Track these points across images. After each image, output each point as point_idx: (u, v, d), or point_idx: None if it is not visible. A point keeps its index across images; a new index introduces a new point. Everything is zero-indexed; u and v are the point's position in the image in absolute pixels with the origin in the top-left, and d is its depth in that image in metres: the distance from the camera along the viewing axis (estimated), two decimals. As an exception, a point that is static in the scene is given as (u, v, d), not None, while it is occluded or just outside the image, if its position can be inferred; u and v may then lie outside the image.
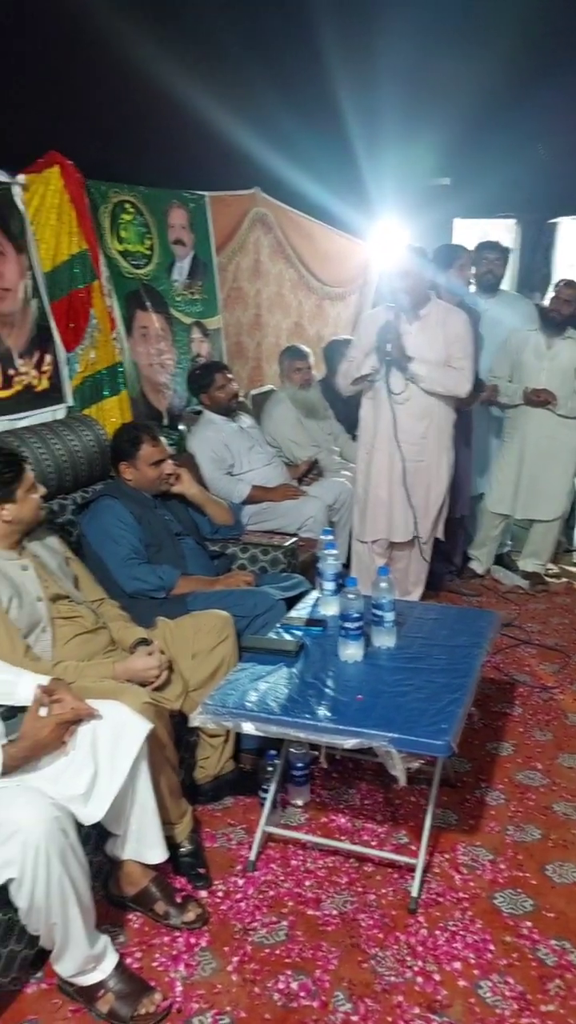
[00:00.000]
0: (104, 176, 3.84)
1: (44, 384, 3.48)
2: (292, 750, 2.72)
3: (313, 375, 4.89)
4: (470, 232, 6.68)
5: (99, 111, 4.07)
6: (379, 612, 2.63)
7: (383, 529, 3.80)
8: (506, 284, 4.93)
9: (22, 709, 2.18)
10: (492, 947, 2.21)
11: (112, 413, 3.73)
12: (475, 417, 4.52)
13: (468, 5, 5.93)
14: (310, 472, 4.57)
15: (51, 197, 3.46)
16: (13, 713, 2.22)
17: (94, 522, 3.03)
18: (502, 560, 4.95)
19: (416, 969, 2.14)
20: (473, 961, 2.17)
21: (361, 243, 6.45)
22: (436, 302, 3.71)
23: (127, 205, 4.03)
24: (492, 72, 5.88)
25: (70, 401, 3.61)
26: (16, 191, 3.34)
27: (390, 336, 3.53)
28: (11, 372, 3.30)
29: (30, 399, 3.41)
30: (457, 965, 2.15)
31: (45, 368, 3.49)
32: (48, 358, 3.50)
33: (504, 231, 6.89)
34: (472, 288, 4.67)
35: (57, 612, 2.55)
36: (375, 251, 6.45)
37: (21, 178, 3.37)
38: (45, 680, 2.23)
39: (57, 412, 3.54)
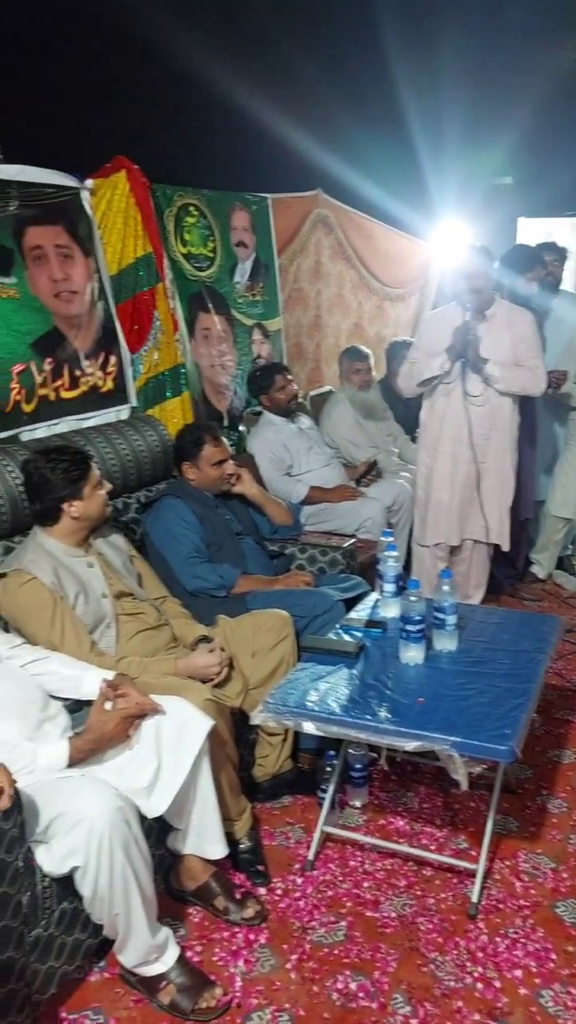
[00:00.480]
0: (169, 180, 3.89)
1: (109, 385, 3.54)
2: (351, 751, 2.72)
3: (373, 376, 4.88)
4: (535, 231, 6.59)
5: (164, 116, 4.14)
6: (441, 615, 2.62)
7: (444, 533, 3.77)
8: (567, 284, 4.84)
9: (88, 703, 2.23)
10: (554, 956, 2.18)
11: (174, 414, 3.78)
12: (539, 419, 4.46)
13: (533, 2, 5.86)
14: (369, 473, 4.56)
15: (118, 201, 3.52)
16: (79, 707, 2.27)
17: (157, 521, 3.07)
18: (564, 564, 4.87)
19: (476, 975, 2.12)
20: (534, 969, 2.14)
21: (422, 243, 6.41)
22: (500, 302, 3.67)
23: (191, 208, 4.08)
24: (557, 69, 5.82)
25: (134, 402, 3.67)
26: (84, 195, 3.41)
27: (468, 337, 3.49)
28: (78, 373, 3.37)
29: (96, 400, 3.47)
30: (518, 973, 2.13)
31: (110, 369, 3.54)
32: (113, 359, 3.56)
33: (569, 230, 6.78)
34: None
35: (121, 609, 2.59)
36: (436, 251, 6.41)
37: (89, 183, 3.44)
38: (110, 675, 2.27)
39: (121, 412, 3.60)
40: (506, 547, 3.85)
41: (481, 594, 3.99)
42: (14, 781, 1.80)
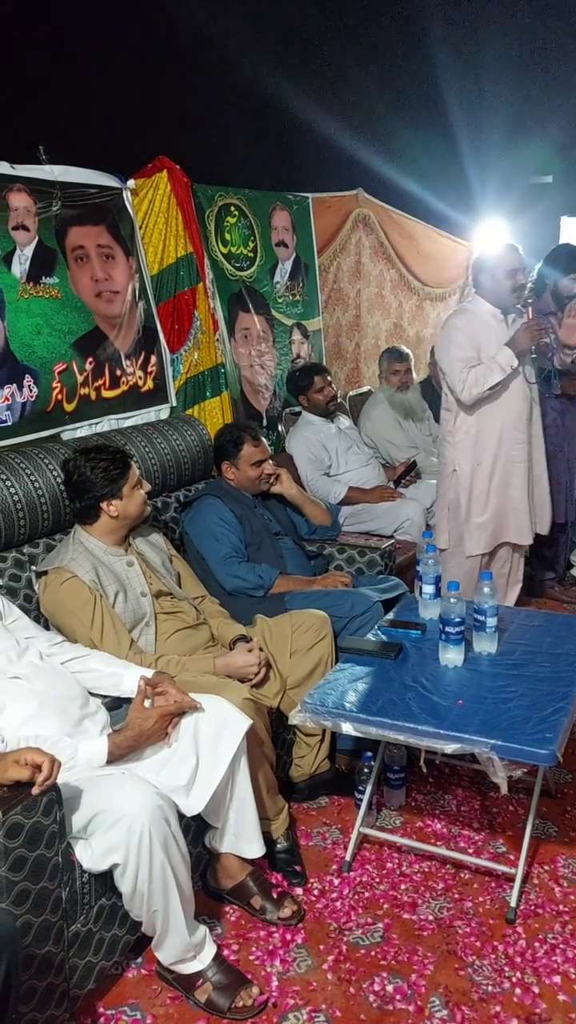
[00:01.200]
0: (210, 179, 3.91)
1: (149, 384, 3.57)
2: (389, 752, 2.71)
3: (412, 377, 4.86)
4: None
5: (205, 116, 4.16)
6: (481, 617, 2.59)
7: (500, 535, 3.61)
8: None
9: (127, 700, 2.25)
10: (594, 963, 2.15)
11: (213, 414, 3.80)
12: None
13: (572, 3, 5.80)
14: (408, 474, 4.54)
15: (159, 201, 3.55)
16: (118, 704, 2.29)
17: (196, 520, 3.08)
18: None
19: (514, 980, 2.10)
20: (574, 976, 2.11)
21: (463, 243, 6.37)
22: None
23: (232, 208, 4.09)
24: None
25: (174, 401, 3.69)
26: (126, 196, 3.44)
27: (544, 332, 3.41)
28: (119, 372, 3.39)
29: (136, 399, 3.50)
30: (557, 979, 2.10)
31: (150, 369, 3.57)
32: (153, 359, 3.58)
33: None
34: None
35: (160, 608, 2.60)
36: (478, 251, 6.37)
37: (131, 183, 3.47)
38: (149, 673, 2.29)
39: (161, 412, 3.62)
40: (546, 530, 3.76)
41: (518, 588, 3.91)
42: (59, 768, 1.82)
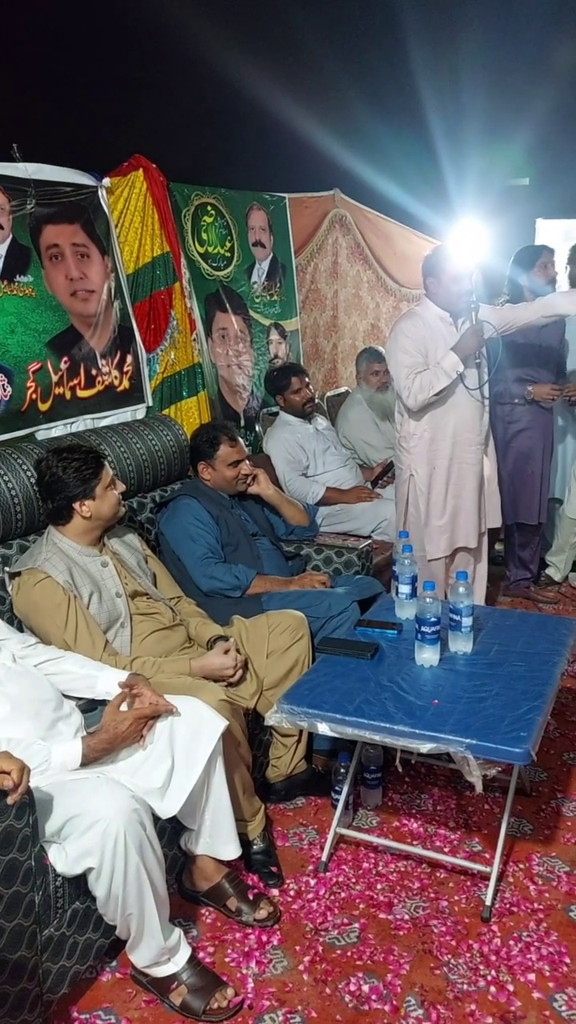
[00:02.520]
0: (186, 178, 3.90)
1: (125, 384, 3.55)
2: (366, 752, 2.71)
3: (391, 377, 4.86)
4: (554, 232, 6.56)
5: (182, 115, 4.14)
6: (457, 617, 2.60)
7: (464, 538, 3.62)
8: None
9: (102, 702, 2.23)
10: (568, 960, 2.16)
11: (190, 414, 3.78)
12: (554, 422, 4.44)
13: (548, 5, 5.84)
14: (385, 475, 4.55)
15: (135, 200, 3.53)
16: (93, 706, 2.28)
17: (172, 521, 3.07)
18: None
19: (489, 978, 2.11)
20: (548, 973, 2.12)
21: (439, 244, 6.39)
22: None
23: (208, 207, 4.08)
24: (573, 71, 5.79)
25: (150, 401, 3.67)
26: (102, 194, 3.42)
27: (484, 336, 3.39)
28: (94, 372, 3.37)
29: (112, 399, 3.48)
30: (531, 976, 2.11)
31: (126, 368, 3.55)
32: (129, 359, 3.57)
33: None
34: (565, 288, 4.59)
35: (136, 608, 2.59)
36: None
37: (106, 181, 3.44)
38: (124, 675, 2.27)
39: (137, 412, 3.61)
40: (498, 523, 3.78)
41: (484, 585, 3.91)
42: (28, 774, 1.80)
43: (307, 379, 4.31)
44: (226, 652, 2.55)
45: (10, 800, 1.73)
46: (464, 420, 3.50)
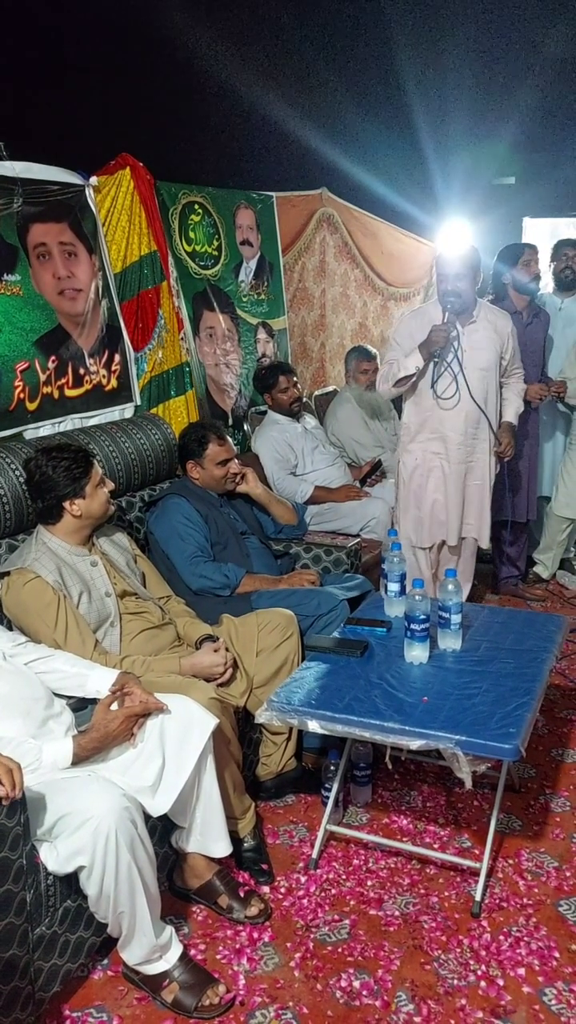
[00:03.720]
0: (173, 177, 3.89)
1: (113, 383, 3.54)
2: (355, 749, 2.72)
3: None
4: (540, 231, 6.58)
5: (169, 113, 4.13)
6: (446, 614, 2.61)
7: (438, 533, 3.71)
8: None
9: (92, 701, 2.23)
10: (557, 954, 2.18)
11: (178, 412, 3.78)
12: (541, 420, 4.47)
13: (533, 3, 5.86)
14: (373, 473, 4.56)
15: (122, 198, 3.52)
16: (84, 705, 2.28)
17: (161, 520, 3.07)
18: (567, 565, 4.87)
19: (479, 973, 2.12)
20: (537, 968, 2.14)
21: (427, 243, 6.41)
22: (481, 302, 3.64)
23: (196, 206, 4.08)
24: (558, 69, 5.81)
25: (138, 400, 3.67)
26: (89, 193, 3.41)
27: (447, 336, 3.42)
28: (82, 371, 3.37)
29: (100, 398, 3.47)
30: (521, 971, 2.13)
31: (114, 367, 3.54)
32: (117, 358, 3.56)
33: (574, 229, 6.77)
34: (550, 286, 4.62)
35: (125, 608, 2.59)
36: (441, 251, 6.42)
37: (93, 180, 3.43)
38: (114, 674, 2.27)
39: (125, 411, 3.60)
40: (485, 545, 3.85)
41: (468, 587, 3.95)
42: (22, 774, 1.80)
43: (295, 378, 4.31)
44: (216, 651, 2.56)
45: (4, 801, 1.73)
46: (449, 417, 3.56)
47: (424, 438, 3.64)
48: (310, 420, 4.48)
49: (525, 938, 2.23)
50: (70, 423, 3.29)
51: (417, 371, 3.50)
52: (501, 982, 2.10)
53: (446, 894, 2.40)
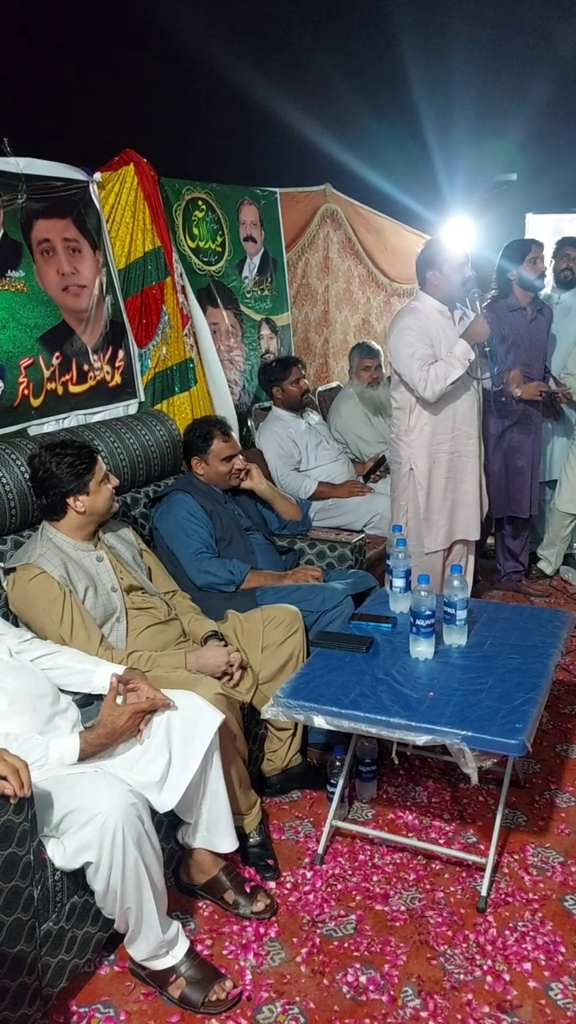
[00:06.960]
0: (177, 173, 3.88)
1: (117, 379, 3.54)
2: (361, 745, 2.72)
3: (382, 372, 4.87)
4: (543, 227, 6.58)
5: (173, 109, 4.13)
6: (451, 610, 2.61)
7: (464, 530, 3.61)
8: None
9: (99, 697, 2.23)
10: (563, 949, 2.18)
11: (182, 409, 3.77)
12: (543, 416, 4.46)
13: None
14: (377, 469, 4.56)
15: (126, 195, 3.51)
16: (90, 701, 2.28)
17: (166, 516, 3.07)
18: (571, 560, 4.87)
19: (486, 968, 2.13)
20: (544, 963, 2.14)
21: (431, 239, 6.40)
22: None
23: (199, 202, 4.07)
24: (563, 65, 5.80)
25: (142, 396, 3.67)
26: (93, 189, 3.40)
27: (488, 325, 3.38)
28: (86, 367, 3.37)
29: (104, 394, 3.47)
30: (527, 966, 2.13)
31: (118, 364, 3.54)
32: (121, 354, 3.56)
33: (577, 225, 6.77)
34: (550, 284, 4.61)
35: (131, 603, 2.59)
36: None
37: (97, 176, 3.43)
38: (121, 669, 2.28)
39: (129, 407, 3.60)
40: (475, 537, 3.75)
41: (472, 575, 3.92)
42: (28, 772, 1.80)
43: (304, 372, 4.33)
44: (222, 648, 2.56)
45: (12, 800, 1.74)
46: (462, 412, 3.50)
47: (438, 437, 3.48)
48: (313, 416, 4.48)
49: (531, 933, 2.24)
50: (74, 419, 3.29)
51: (470, 362, 3.35)
52: (507, 977, 2.10)
53: (452, 889, 2.40)
